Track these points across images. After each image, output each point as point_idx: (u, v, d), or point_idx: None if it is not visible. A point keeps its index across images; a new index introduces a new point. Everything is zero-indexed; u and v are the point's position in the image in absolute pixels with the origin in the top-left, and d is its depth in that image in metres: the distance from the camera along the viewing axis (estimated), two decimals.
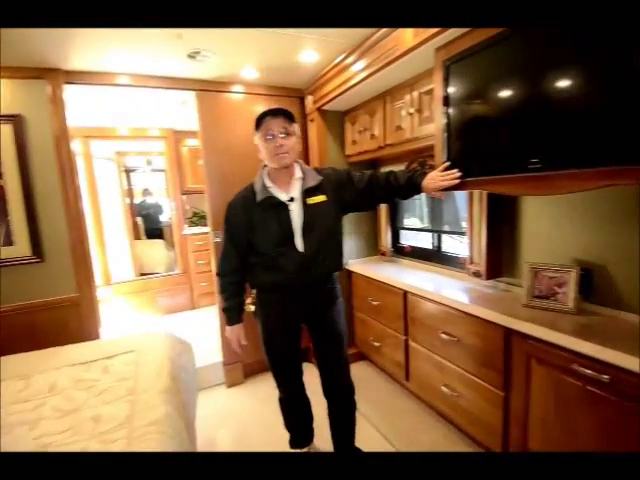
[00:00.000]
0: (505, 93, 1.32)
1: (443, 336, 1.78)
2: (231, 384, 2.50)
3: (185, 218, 4.13)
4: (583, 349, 1.17)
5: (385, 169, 2.56)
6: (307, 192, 1.42)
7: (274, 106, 1.38)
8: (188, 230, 3.98)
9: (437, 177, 1.45)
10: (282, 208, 1.40)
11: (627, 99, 0.99)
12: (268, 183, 1.43)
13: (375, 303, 2.36)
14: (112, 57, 1.91)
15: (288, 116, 1.37)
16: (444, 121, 1.55)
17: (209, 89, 2.36)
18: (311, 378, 1.71)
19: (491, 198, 1.76)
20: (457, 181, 1.45)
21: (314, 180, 1.43)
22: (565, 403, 1.26)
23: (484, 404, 1.60)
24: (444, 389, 1.81)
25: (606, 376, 1.10)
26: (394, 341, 2.21)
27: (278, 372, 1.58)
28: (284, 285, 1.42)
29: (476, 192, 1.80)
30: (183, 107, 2.83)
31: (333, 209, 1.46)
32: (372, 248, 2.84)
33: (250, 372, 2.57)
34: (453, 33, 1.42)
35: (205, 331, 3.17)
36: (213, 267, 2.47)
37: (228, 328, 1.54)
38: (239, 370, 2.53)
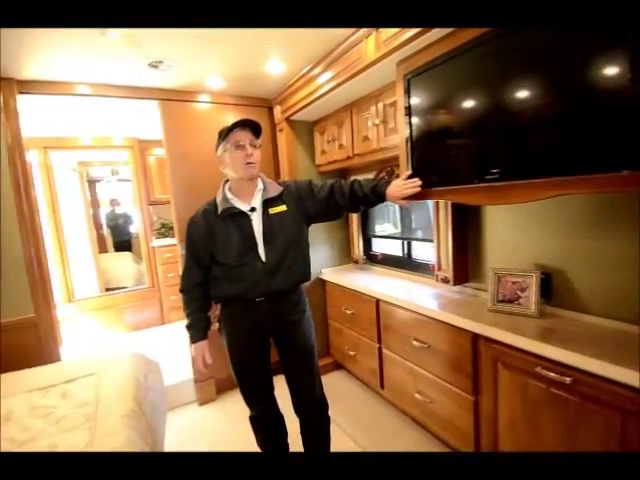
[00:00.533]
0: (463, 106, 1.36)
1: (415, 343, 1.80)
2: (203, 402, 2.42)
3: (153, 229, 4.00)
4: (546, 352, 1.21)
5: (355, 178, 2.63)
6: (268, 202, 1.42)
7: (242, 117, 1.39)
8: (156, 242, 3.85)
9: (401, 185, 1.47)
10: (243, 218, 1.40)
11: (577, 112, 1.04)
12: (229, 195, 1.43)
13: (349, 312, 2.36)
14: (69, 66, 1.84)
15: (256, 130, 1.39)
16: (407, 132, 1.59)
17: (173, 98, 2.31)
18: (284, 391, 1.67)
19: (456, 206, 1.81)
20: (419, 189, 1.47)
21: (275, 190, 1.45)
22: (531, 405, 1.29)
23: (455, 409, 1.62)
24: (417, 396, 1.82)
25: (568, 378, 1.14)
26: (368, 349, 2.21)
27: (247, 390, 1.53)
28: (247, 296, 1.39)
29: (442, 201, 1.84)
30: (148, 116, 2.75)
31: (295, 219, 1.45)
32: (345, 256, 2.85)
33: (223, 388, 2.50)
34: (413, 47, 1.46)
35: (176, 347, 3.06)
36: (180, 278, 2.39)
37: (192, 346, 1.49)
38: (211, 387, 2.45)
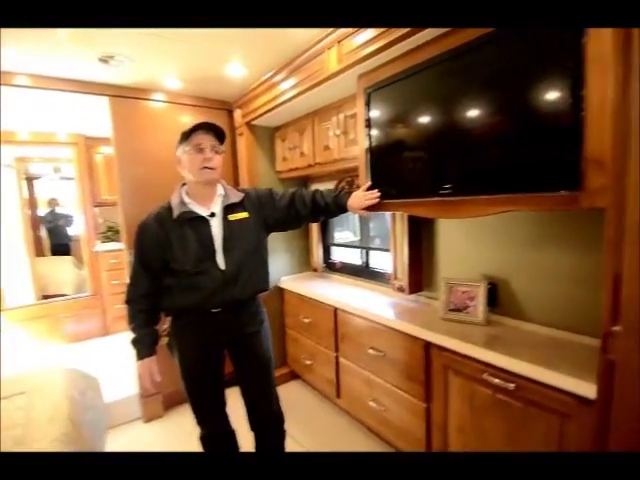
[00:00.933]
0: (419, 122, 1.42)
1: (371, 351, 1.82)
2: (149, 418, 2.27)
3: (98, 233, 3.73)
4: (491, 359, 1.27)
5: (316, 186, 2.65)
6: (228, 208, 1.38)
7: (207, 120, 1.33)
8: (101, 246, 3.59)
9: (361, 197, 1.50)
10: (202, 223, 1.33)
11: (521, 133, 1.12)
12: (187, 199, 1.36)
13: (307, 320, 2.34)
14: (7, 55, 1.67)
15: (220, 135, 1.36)
16: (367, 144, 1.62)
17: (125, 95, 2.18)
18: (236, 404, 1.60)
19: (412, 218, 1.87)
20: (377, 200, 1.52)
21: (236, 197, 1.41)
22: (478, 411, 1.35)
23: (408, 416, 1.66)
24: (372, 404, 1.84)
25: (512, 384, 1.21)
26: (325, 358, 2.20)
27: (199, 408, 1.44)
28: (203, 306, 1.32)
29: (398, 212, 1.90)
30: (96, 112, 2.57)
31: (256, 227, 1.43)
32: (304, 264, 2.83)
33: (171, 403, 2.35)
34: (374, 62, 1.50)
35: (120, 360, 2.85)
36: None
37: (139, 363, 1.37)
38: (158, 402, 2.30)
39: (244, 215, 1.40)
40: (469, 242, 1.74)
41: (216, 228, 1.34)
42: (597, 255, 1.29)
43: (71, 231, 4.29)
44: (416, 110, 1.43)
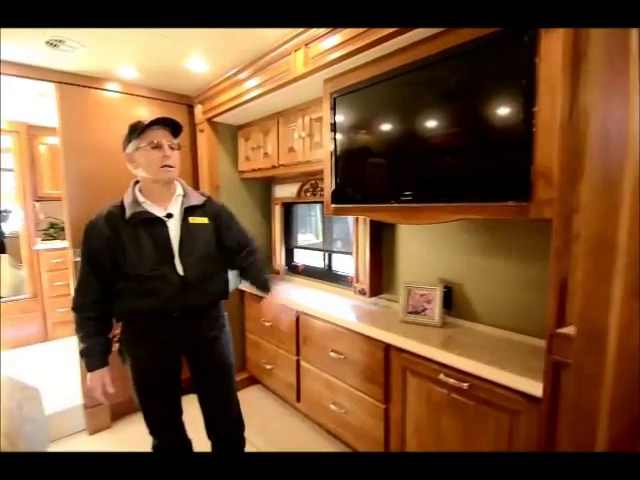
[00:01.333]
0: (382, 129, 1.46)
1: (332, 354, 1.82)
2: (94, 430, 2.11)
3: (38, 230, 3.43)
4: (446, 360, 1.32)
5: (280, 188, 2.62)
6: (189, 210, 1.31)
7: (160, 114, 1.26)
8: (42, 245, 3.30)
9: (269, 305, 1.49)
10: (158, 224, 1.26)
11: (474, 145, 1.18)
12: (141, 198, 1.27)
13: (268, 324, 2.30)
14: None
15: (176, 130, 1.28)
16: (332, 148, 1.63)
17: (74, 83, 2.02)
18: (190, 412, 1.53)
19: (374, 222, 1.91)
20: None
21: (197, 199, 1.35)
22: (434, 410, 1.40)
23: (368, 418, 1.68)
24: (332, 407, 1.85)
25: (466, 384, 1.26)
26: (286, 362, 2.18)
27: (154, 418, 1.36)
28: (158, 312, 1.25)
29: (361, 216, 1.93)
30: (42, 99, 2.37)
31: (215, 234, 1.37)
32: (266, 267, 2.78)
33: (119, 414, 2.21)
34: (340, 68, 1.52)
35: (62, 368, 2.64)
36: (73, 290, 2.08)
37: (89, 375, 1.27)
38: (105, 413, 2.15)
39: (205, 220, 1.34)
40: (427, 247, 1.80)
41: (174, 230, 1.27)
42: (543, 262, 1.39)
43: (7, 227, 3.91)
44: (379, 118, 1.46)
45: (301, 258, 2.74)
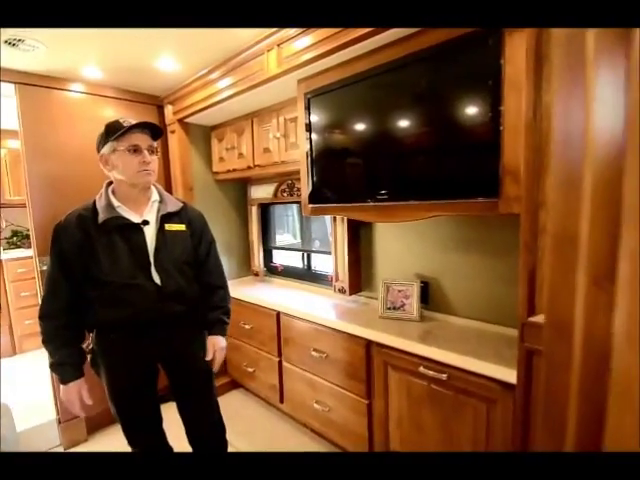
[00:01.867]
0: (356, 130, 1.48)
1: (314, 353, 1.83)
2: (70, 445, 2.02)
3: (2, 238, 3.25)
4: (425, 353, 1.36)
5: (256, 188, 2.60)
6: (166, 217, 1.27)
7: (142, 120, 1.21)
8: (5, 254, 3.13)
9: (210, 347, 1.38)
10: (134, 231, 1.21)
11: (445, 145, 1.22)
12: (116, 202, 1.22)
13: (248, 327, 2.28)
14: None
15: (156, 134, 1.24)
16: (307, 148, 1.64)
17: (36, 84, 1.93)
18: (169, 420, 1.50)
19: (351, 221, 1.93)
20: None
21: (174, 206, 1.31)
22: (415, 402, 1.44)
23: (351, 414, 1.70)
24: (316, 405, 1.86)
25: (444, 375, 1.30)
26: (268, 364, 2.17)
27: (133, 428, 1.32)
28: (133, 322, 1.21)
29: (338, 216, 1.94)
30: (2, 101, 2.24)
31: (191, 243, 1.33)
32: (244, 268, 2.76)
33: (95, 426, 2.13)
34: (314, 68, 1.52)
35: (32, 382, 2.52)
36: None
37: (63, 388, 1.21)
38: (80, 426, 2.07)
39: (182, 227, 1.31)
40: (404, 245, 1.84)
41: (150, 238, 1.23)
42: (512, 256, 1.45)
43: None
44: (353, 119, 1.48)
45: (280, 259, 2.73)
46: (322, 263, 2.42)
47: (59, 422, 2.01)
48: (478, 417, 1.24)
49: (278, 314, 2.06)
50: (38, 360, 2.89)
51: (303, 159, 1.67)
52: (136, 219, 1.22)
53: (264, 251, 2.71)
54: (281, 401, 2.12)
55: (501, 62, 1.02)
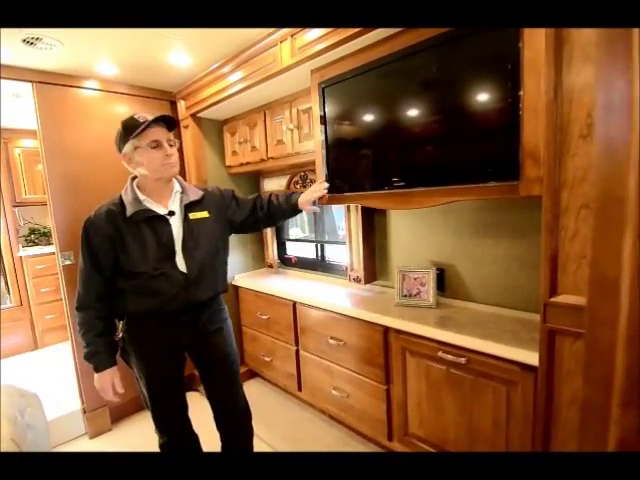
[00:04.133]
0: (371, 119, 1.49)
1: (331, 341, 1.86)
2: (95, 434, 2.09)
3: (19, 236, 3.33)
4: (444, 338, 1.38)
5: (269, 181, 2.62)
6: (188, 207, 1.31)
7: (159, 114, 1.23)
8: (24, 251, 3.21)
9: (308, 192, 1.54)
10: (161, 222, 1.25)
11: (459, 131, 1.22)
12: (141, 196, 1.26)
13: (264, 317, 2.32)
14: None
15: (172, 126, 1.27)
16: (322, 139, 1.65)
17: (53, 82, 1.96)
18: (195, 407, 1.55)
19: (365, 210, 1.94)
20: (324, 192, 1.58)
21: (195, 195, 1.35)
22: (434, 387, 1.46)
23: (370, 399, 1.73)
24: (334, 392, 1.89)
25: (463, 359, 1.32)
26: (285, 353, 2.21)
27: (162, 415, 1.36)
28: (162, 311, 1.25)
29: (352, 205, 1.96)
30: (16, 101, 2.28)
31: (218, 227, 1.39)
32: (259, 261, 2.80)
33: (119, 416, 2.20)
34: (327, 58, 1.53)
35: (56, 374, 2.60)
36: (64, 295, 2.05)
37: (97, 376, 1.27)
38: (105, 416, 2.14)
39: (204, 215, 1.34)
40: (419, 232, 1.85)
41: (176, 228, 1.27)
42: (527, 239, 1.46)
43: None
44: (369, 106, 1.48)
45: (293, 250, 2.76)
46: (336, 254, 2.44)
47: (84, 412, 2.08)
48: (498, 399, 1.26)
49: (294, 304, 2.09)
50: (60, 353, 2.97)
51: (318, 149, 1.68)
52: (162, 211, 1.26)
53: (278, 243, 2.74)
54: (299, 389, 2.16)
55: (519, 45, 1.02)
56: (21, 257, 3.14)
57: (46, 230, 3.48)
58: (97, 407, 2.10)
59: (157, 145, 1.20)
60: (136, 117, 1.20)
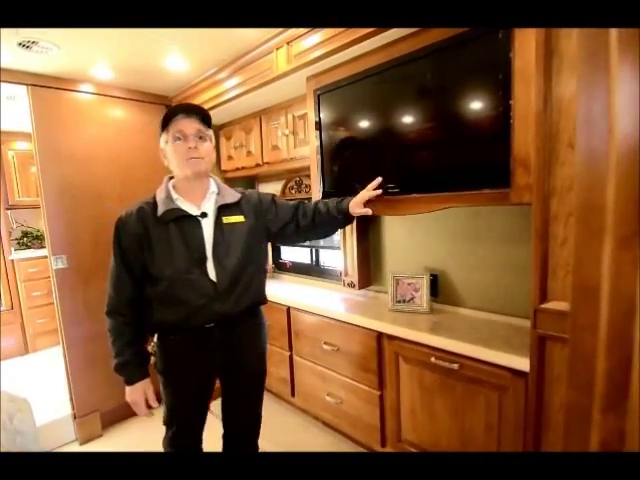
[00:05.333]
0: (366, 125, 1.51)
1: (325, 346, 1.86)
2: (85, 440, 2.06)
3: (12, 239, 3.30)
4: (437, 343, 1.39)
5: (264, 186, 2.63)
6: (223, 209, 1.21)
7: (188, 102, 1.19)
8: (17, 254, 3.17)
9: (359, 195, 1.41)
10: (192, 223, 1.15)
11: (453, 138, 1.24)
12: (174, 195, 1.18)
13: None
14: None
15: (204, 118, 1.17)
16: (317, 145, 1.66)
17: (48, 85, 1.96)
18: None
19: (360, 217, 1.95)
20: (378, 192, 1.41)
21: (232, 197, 1.24)
22: (427, 392, 1.46)
23: (363, 405, 1.73)
24: (328, 398, 1.89)
25: (456, 365, 1.33)
26: (279, 358, 2.20)
27: (181, 437, 1.27)
28: (190, 324, 1.15)
29: None
30: (10, 103, 2.28)
31: (255, 233, 1.26)
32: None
33: (111, 421, 2.17)
34: (323, 65, 1.55)
35: (46, 379, 2.56)
36: (55, 298, 2.03)
37: (129, 389, 1.18)
38: (96, 421, 2.11)
39: (241, 219, 1.23)
40: (412, 238, 1.87)
41: (207, 231, 1.17)
42: (518, 246, 1.47)
43: None
44: (364, 113, 1.50)
45: (288, 255, 2.76)
46: (330, 259, 2.45)
47: (74, 417, 2.05)
48: (490, 405, 1.27)
49: (288, 309, 2.09)
50: (51, 358, 2.93)
51: (313, 155, 1.70)
52: (194, 211, 1.17)
53: (272, 248, 2.74)
54: (292, 395, 2.15)
55: (510, 55, 1.05)
56: (13, 260, 3.11)
57: (39, 233, 3.46)
58: (88, 412, 2.07)
59: (181, 137, 1.12)
60: (170, 109, 1.15)
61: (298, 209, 1.36)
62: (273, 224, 1.33)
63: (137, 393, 1.18)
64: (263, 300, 1.33)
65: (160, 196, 1.17)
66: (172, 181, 1.23)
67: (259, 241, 1.30)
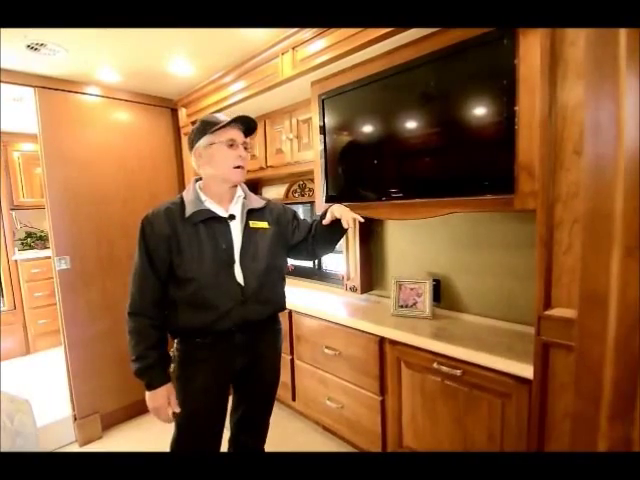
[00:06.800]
0: (370, 130, 1.51)
1: (326, 351, 1.85)
2: (85, 441, 2.06)
3: (16, 239, 3.32)
4: (440, 349, 1.38)
5: (268, 189, 2.64)
6: (250, 213, 1.22)
7: (242, 114, 1.18)
8: (20, 254, 3.19)
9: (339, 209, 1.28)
10: (220, 225, 1.16)
11: (465, 144, 1.24)
12: (203, 196, 1.18)
13: None
14: None
15: (252, 131, 1.22)
16: (322, 149, 1.67)
17: (55, 87, 1.98)
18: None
19: (362, 222, 1.95)
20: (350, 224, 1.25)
21: (258, 202, 1.26)
22: (429, 398, 1.45)
23: (364, 410, 1.72)
24: (328, 403, 1.88)
25: (458, 371, 1.32)
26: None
27: (195, 443, 1.22)
28: (215, 328, 1.13)
29: None
30: (16, 105, 2.30)
31: (278, 241, 1.26)
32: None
33: (111, 423, 2.16)
34: (328, 70, 1.56)
35: (47, 380, 2.56)
36: (58, 299, 2.03)
37: (150, 394, 1.13)
38: (96, 423, 2.10)
39: (264, 225, 1.23)
40: (415, 243, 1.86)
41: (236, 233, 1.17)
42: (521, 252, 1.47)
43: None
44: (368, 118, 1.51)
45: (290, 260, 2.75)
46: (333, 263, 2.44)
47: (75, 419, 2.05)
48: (493, 412, 1.26)
49: (290, 312, 2.08)
50: (52, 359, 2.94)
51: (317, 159, 1.70)
52: (223, 213, 1.18)
53: None
54: (293, 399, 2.15)
55: (515, 62, 1.05)
56: (16, 260, 3.12)
57: (42, 234, 3.47)
58: (88, 414, 2.07)
59: (233, 144, 1.14)
60: (217, 116, 1.17)
61: (312, 226, 1.35)
62: (292, 238, 1.32)
63: (161, 398, 1.13)
64: (284, 306, 1.34)
65: (188, 197, 1.17)
66: (199, 183, 1.23)
67: (282, 249, 1.31)
